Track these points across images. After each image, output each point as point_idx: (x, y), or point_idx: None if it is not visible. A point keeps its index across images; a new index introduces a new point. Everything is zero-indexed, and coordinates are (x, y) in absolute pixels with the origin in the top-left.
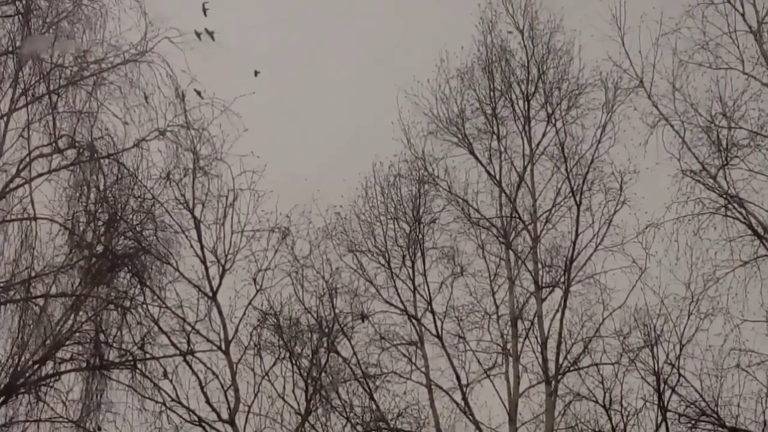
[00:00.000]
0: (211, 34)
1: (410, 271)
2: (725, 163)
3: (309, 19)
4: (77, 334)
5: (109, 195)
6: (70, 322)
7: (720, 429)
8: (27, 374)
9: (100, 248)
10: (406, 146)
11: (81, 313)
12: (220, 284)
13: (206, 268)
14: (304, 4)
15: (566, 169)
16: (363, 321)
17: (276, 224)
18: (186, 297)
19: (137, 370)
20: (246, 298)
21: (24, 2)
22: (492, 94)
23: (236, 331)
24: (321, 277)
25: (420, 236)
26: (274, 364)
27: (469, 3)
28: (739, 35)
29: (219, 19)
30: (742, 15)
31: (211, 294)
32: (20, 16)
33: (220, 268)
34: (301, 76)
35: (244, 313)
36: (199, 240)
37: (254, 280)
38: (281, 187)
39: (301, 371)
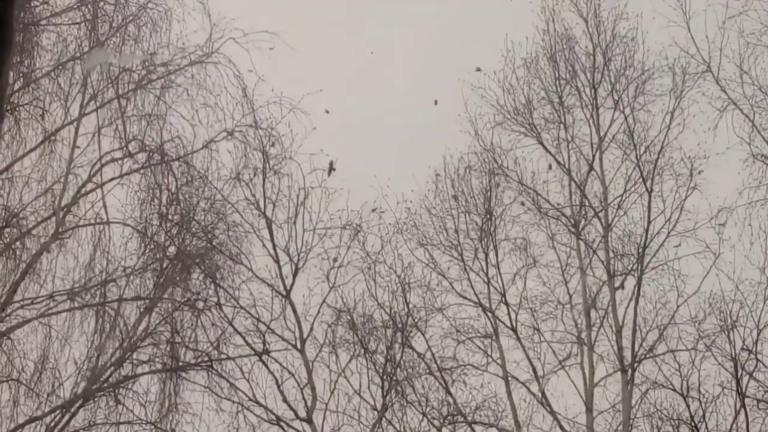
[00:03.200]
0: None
1: (483, 263)
2: None
3: (371, 18)
4: (152, 336)
5: (180, 197)
6: (144, 324)
7: None
8: (105, 377)
9: (172, 250)
10: (474, 138)
11: (155, 315)
12: (293, 283)
13: (279, 267)
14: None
15: (636, 156)
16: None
17: (348, 221)
18: (260, 296)
19: (213, 371)
20: (320, 296)
21: (90, 8)
22: (558, 82)
23: (311, 329)
24: (393, 272)
25: (492, 228)
26: (350, 360)
27: None
28: None
29: (284, 19)
30: None
31: (285, 293)
32: (87, 22)
33: (293, 267)
34: (365, 72)
35: (319, 311)
36: (271, 239)
37: (327, 277)
38: (351, 185)
39: (377, 367)
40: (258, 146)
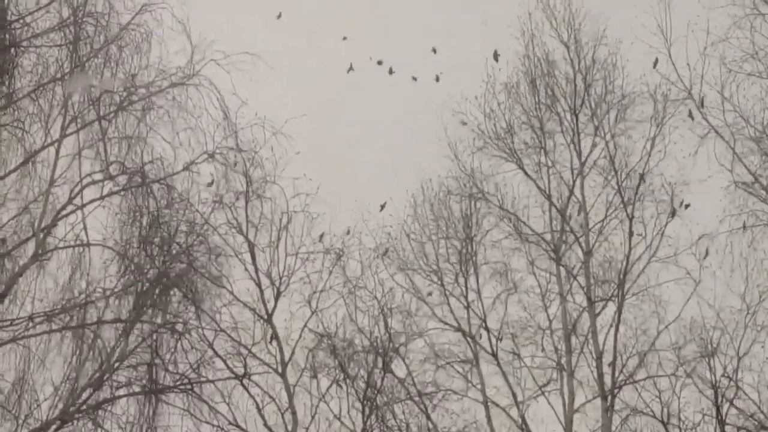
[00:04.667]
0: None
1: (463, 288)
2: None
3: (355, 41)
4: (132, 358)
5: (161, 219)
6: (124, 346)
7: None
8: (83, 399)
9: (152, 272)
10: (454, 162)
11: (134, 337)
12: (275, 307)
13: (261, 291)
14: (350, 26)
15: (617, 182)
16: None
17: (330, 246)
18: (241, 320)
19: (193, 394)
20: (301, 320)
21: (72, 29)
22: (538, 107)
23: (292, 353)
24: (374, 298)
25: (472, 253)
26: (331, 385)
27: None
28: None
29: (266, 41)
30: None
31: (266, 317)
32: (69, 45)
33: (275, 291)
34: (347, 96)
35: (300, 336)
36: (254, 263)
37: (309, 302)
38: (334, 209)
39: (357, 392)
40: (241, 169)
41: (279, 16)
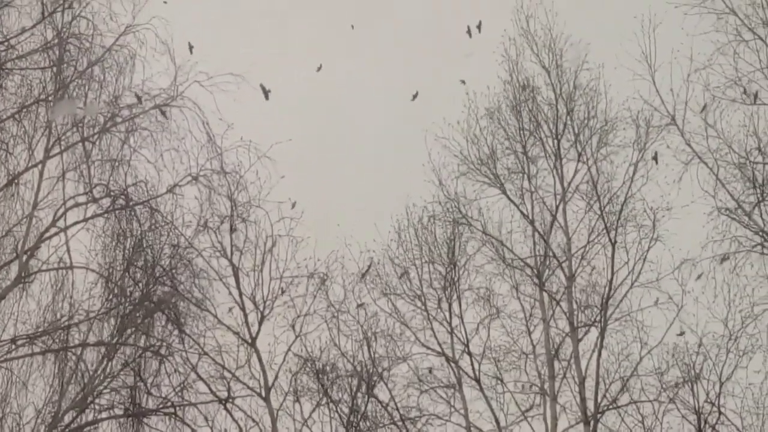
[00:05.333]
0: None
1: (446, 314)
2: (761, 199)
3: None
4: (115, 381)
5: (145, 242)
6: (107, 369)
7: None
8: (65, 423)
9: (136, 295)
10: (438, 187)
11: (118, 360)
12: (259, 331)
13: (245, 315)
14: (333, 51)
15: (600, 208)
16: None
17: (314, 270)
18: (225, 343)
19: (176, 418)
20: (285, 344)
21: (56, 51)
22: (521, 133)
23: (276, 377)
24: (357, 322)
25: (456, 278)
26: (314, 410)
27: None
28: None
29: (251, 62)
30: None
31: (250, 340)
32: (53, 67)
33: (259, 315)
34: (332, 120)
35: (284, 360)
36: (238, 287)
37: (292, 326)
38: (318, 233)
39: (341, 417)
40: (226, 192)
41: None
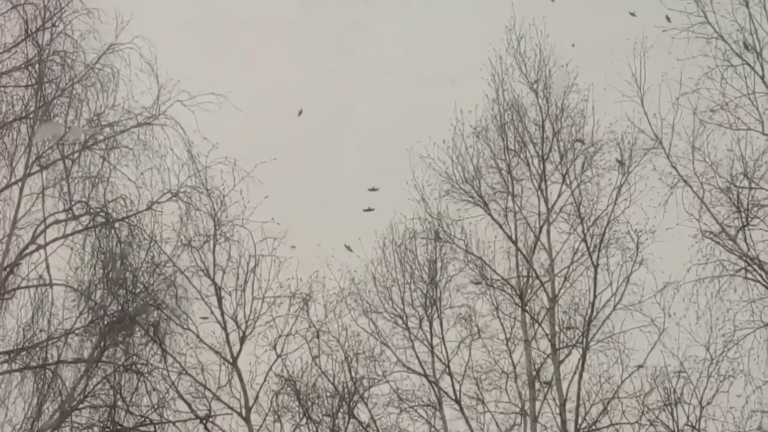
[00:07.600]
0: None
1: (427, 333)
2: (745, 223)
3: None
4: (93, 399)
5: (125, 259)
6: (84, 386)
7: None
8: None
9: (115, 311)
10: (419, 203)
11: (96, 377)
12: (240, 350)
13: (227, 334)
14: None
15: (583, 230)
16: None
17: (296, 290)
18: (206, 362)
19: None
20: (266, 363)
21: (37, 68)
22: (506, 152)
23: (256, 397)
24: (337, 342)
25: (437, 298)
26: (294, 430)
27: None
28: (758, 97)
29: (234, 84)
30: (761, 77)
31: (231, 360)
32: (34, 85)
33: (241, 334)
34: (317, 138)
35: (265, 380)
36: (220, 306)
37: (274, 347)
38: (300, 253)
39: None
40: (210, 211)
41: None
